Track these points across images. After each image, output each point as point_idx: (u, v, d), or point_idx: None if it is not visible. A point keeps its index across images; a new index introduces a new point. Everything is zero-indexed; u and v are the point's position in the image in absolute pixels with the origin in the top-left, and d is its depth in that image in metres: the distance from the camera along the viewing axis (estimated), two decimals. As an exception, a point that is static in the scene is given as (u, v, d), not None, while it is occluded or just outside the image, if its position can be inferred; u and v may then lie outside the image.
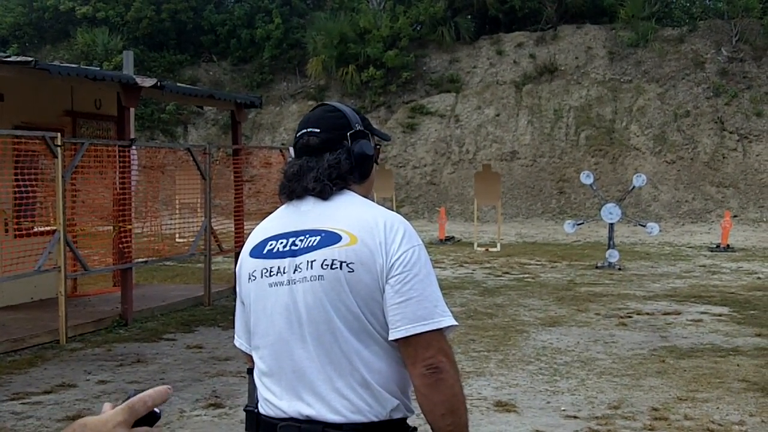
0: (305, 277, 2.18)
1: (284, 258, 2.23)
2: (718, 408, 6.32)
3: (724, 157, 23.34)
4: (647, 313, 10.35)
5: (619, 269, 14.41)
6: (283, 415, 2.22)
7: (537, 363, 7.75)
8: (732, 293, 12.00)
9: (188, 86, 13.09)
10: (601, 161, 24.03)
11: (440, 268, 14.58)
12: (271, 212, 2.47)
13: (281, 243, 2.26)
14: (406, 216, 23.02)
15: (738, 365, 7.68)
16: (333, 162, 2.27)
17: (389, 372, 2.18)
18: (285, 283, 2.22)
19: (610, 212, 14.90)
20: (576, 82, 25.97)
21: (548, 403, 6.47)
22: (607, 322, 9.81)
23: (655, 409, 6.27)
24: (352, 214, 2.22)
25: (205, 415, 6.20)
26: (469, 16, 28.08)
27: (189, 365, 7.71)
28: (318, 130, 2.30)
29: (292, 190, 2.30)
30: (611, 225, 14.98)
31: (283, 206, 2.36)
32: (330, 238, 2.19)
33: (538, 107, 25.71)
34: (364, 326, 2.16)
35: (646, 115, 24.55)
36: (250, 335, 2.36)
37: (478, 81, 26.83)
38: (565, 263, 15.46)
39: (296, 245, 2.23)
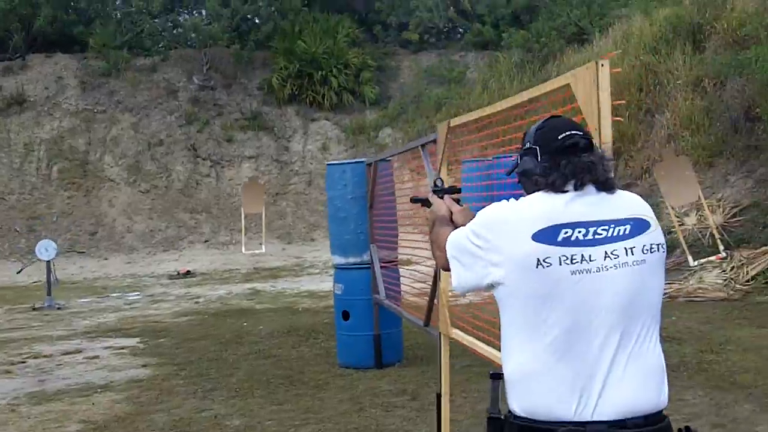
0: (626, 263, 2.28)
1: (589, 246, 2.27)
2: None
3: (198, 184, 23.74)
4: (45, 356, 9.71)
5: (59, 308, 13.65)
6: (565, 418, 2.20)
7: None
8: (155, 322, 11.85)
9: None
10: (75, 194, 23.08)
11: None
12: None
13: (579, 232, 2.29)
14: None
15: (93, 404, 7.33)
16: (609, 158, 2.45)
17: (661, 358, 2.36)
18: (594, 270, 2.26)
19: (46, 249, 14.09)
20: (47, 113, 24.74)
21: None
22: (-9, 372, 8.99)
23: (-48, 475, 5.60)
24: (641, 203, 2.42)
25: None
26: None
27: None
28: (581, 134, 2.41)
29: (581, 181, 2.33)
30: (48, 263, 14.16)
31: (548, 195, 2.34)
32: (641, 225, 2.34)
33: (7, 141, 24.02)
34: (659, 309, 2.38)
35: (120, 145, 24.14)
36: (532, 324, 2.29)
37: (-63, 114, 24.38)
38: (7, 307, 14.32)
39: (599, 234, 2.29)
